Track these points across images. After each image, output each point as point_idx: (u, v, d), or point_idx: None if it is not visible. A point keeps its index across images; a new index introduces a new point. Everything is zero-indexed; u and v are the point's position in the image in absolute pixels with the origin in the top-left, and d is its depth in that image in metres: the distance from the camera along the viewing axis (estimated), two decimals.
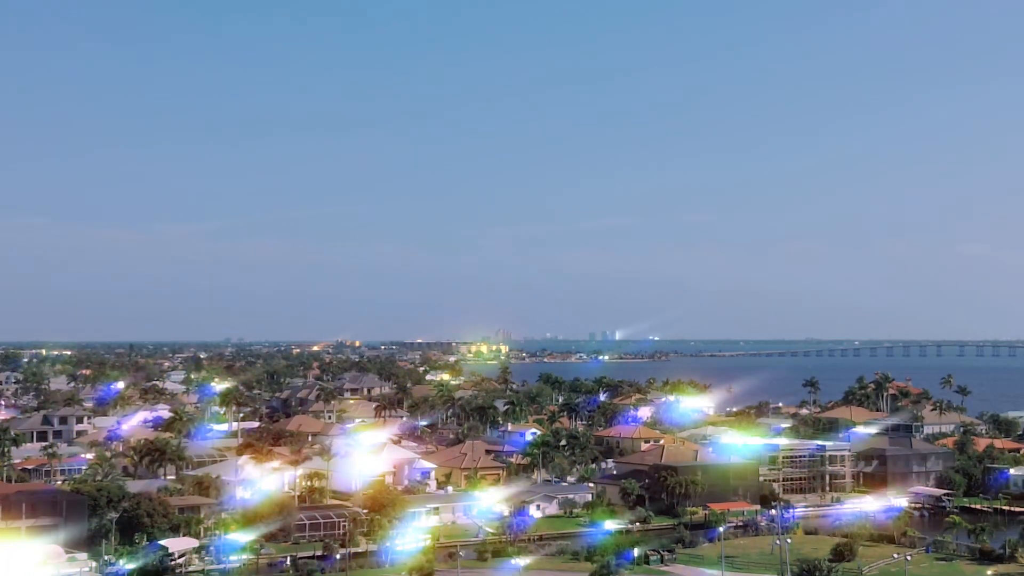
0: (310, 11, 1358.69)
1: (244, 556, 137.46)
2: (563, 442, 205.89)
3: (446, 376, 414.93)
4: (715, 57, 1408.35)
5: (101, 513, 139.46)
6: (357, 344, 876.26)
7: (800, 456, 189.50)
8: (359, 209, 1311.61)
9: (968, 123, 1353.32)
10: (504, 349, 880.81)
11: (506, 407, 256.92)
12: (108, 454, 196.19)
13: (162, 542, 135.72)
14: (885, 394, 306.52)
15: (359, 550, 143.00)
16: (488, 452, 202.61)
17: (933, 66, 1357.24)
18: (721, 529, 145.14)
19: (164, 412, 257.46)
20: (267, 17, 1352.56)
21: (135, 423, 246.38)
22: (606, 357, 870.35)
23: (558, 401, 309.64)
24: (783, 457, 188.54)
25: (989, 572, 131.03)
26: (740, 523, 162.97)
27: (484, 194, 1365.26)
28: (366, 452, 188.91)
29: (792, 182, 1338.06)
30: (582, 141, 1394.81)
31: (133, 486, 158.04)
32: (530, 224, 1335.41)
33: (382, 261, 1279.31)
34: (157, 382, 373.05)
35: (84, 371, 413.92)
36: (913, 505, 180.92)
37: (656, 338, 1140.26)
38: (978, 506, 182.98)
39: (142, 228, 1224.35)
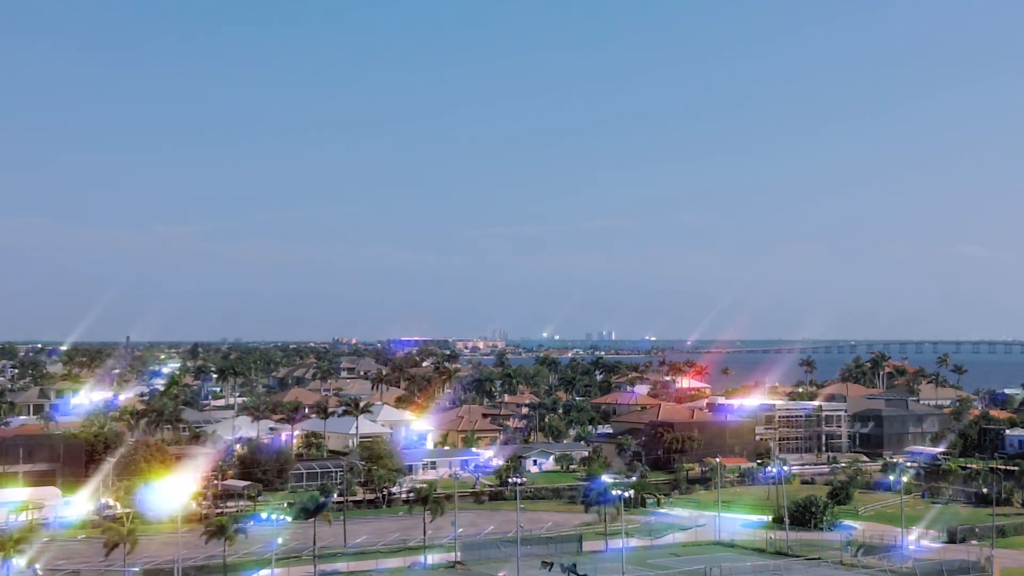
0: (309, 12, 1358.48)
1: (241, 503, 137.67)
2: (560, 409, 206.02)
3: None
4: (716, 59, 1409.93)
5: (98, 459, 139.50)
6: (354, 342, 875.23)
7: (796, 416, 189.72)
8: (359, 210, 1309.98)
9: (967, 125, 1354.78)
10: (501, 345, 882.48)
11: (503, 380, 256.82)
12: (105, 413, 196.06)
13: (159, 485, 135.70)
14: (881, 372, 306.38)
15: (356, 498, 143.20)
16: (485, 416, 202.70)
17: (932, 69, 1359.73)
18: (718, 459, 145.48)
19: (161, 388, 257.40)
20: (266, 19, 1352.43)
21: (132, 395, 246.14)
22: (603, 353, 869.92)
23: (555, 382, 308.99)
24: (779, 417, 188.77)
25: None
26: (737, 476, 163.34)
27: (483, 195, 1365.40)
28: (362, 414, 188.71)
29: (791, 184, 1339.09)
30: (582, 142, 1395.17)
31: None
32: (529, 225, 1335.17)
33: (381, 262, 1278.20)
34: (154, 367, 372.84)
35: (82, 358, 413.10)
36: (910, 464, 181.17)
37: (653, 338, 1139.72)
38: (974, 465, 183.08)
39: (142, 229, 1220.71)
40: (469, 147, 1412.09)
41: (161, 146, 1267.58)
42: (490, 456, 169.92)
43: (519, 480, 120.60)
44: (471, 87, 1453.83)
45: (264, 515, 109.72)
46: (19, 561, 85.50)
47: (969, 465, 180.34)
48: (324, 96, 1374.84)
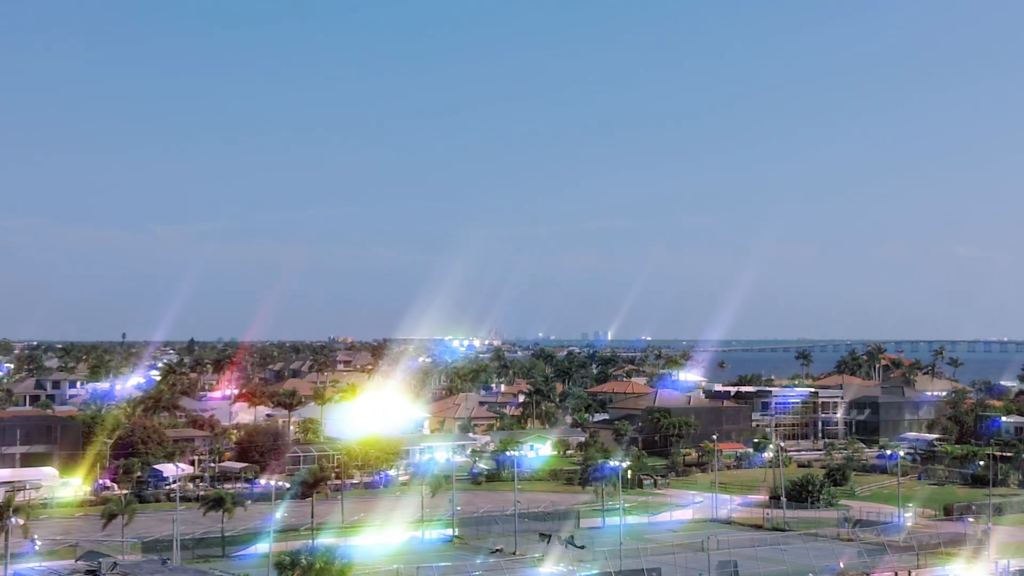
0: (306, 12, 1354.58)
1: (238, 484, 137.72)
2: (556, 397, 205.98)
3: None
4: (713, 59, 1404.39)
5: (95, 441, 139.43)
6: (349, 341, 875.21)
7: (793, 402, 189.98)
8: (355, 210, 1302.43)
9: (963, 126, 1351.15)
10: (497, 343, 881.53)
11: (499, 371, 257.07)
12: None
13: (157, 467, 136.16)
14: (877, 365, 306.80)
15: (354, 481, 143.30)
16: (481, 404, 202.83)
17: (929, 70, 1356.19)
18: (715, 437, 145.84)
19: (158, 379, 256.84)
20: (263, 18, 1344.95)
21: (130, 386, 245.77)
22: (598, 353, 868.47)
23: (551, 374, 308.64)
24: (776, 403, 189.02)
25: None
26: (734, 460, 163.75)
27: (480, 195, 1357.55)
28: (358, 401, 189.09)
29: (787, 185, 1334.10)
30: (580, 143, 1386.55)
31: None
32: (526, 225, 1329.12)
33: (377, 262, 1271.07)
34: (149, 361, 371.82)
35: (78, 354, 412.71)
36: (906, 450, 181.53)
37: (648, 338, 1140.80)
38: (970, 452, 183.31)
39: (139, 228, 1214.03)
40: (466, 147, 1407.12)
41: (159, 146, 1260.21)
42: (487, 441, 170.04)
43: (516, 453, 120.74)
44: (468, 88, 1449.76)
45: (263, 482, 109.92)
46: (18, 526, 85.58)
47: (965, 453, 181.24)
48: (321, 96, 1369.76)
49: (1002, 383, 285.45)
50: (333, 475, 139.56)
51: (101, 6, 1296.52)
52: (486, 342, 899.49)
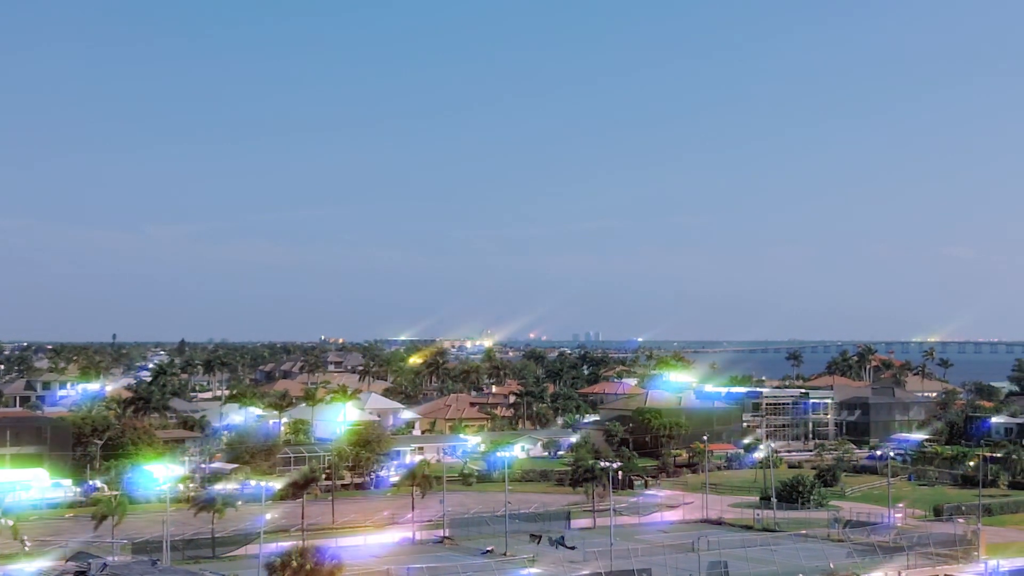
0: (300, 12, 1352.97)
1: (229, 485, 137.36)
2: (547, 398, 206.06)
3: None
4: (707, 59, 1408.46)
5: (86, 441, 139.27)
6: (340, 341, 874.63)
7: (783, 403, 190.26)
8: (349, 211, 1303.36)
9: (953, 128, 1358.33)
10: (489, 344, 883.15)
11: (490, 372, 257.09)
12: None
13: (147, 467, 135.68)
14: (868, 366, 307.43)
15: (344, 482, 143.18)
16: (472, 405, 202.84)
17: (920, 71, 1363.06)
18: (705, 438, 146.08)
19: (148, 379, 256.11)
20: (256, 18, 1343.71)
21: (119, 386, 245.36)
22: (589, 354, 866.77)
23: (542, 375, 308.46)
24: (766, 404, 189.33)
25: None
26: (724, 461, 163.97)
27: (474, 196, 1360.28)
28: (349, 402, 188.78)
29: (780, 186, 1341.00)
30: (575, 144, 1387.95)
31: None
32: (520, 226, 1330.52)
33: (371, 263, 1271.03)
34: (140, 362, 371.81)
35: (69, 354, 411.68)
36: (896, 451, 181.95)
37: (640, 339, 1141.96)
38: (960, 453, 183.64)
39: (132, 229, 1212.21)
40: (460, 148, 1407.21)
41: (154, 146, 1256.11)
42: (478, 442, 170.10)
43: (507, 454, 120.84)
44: (462, 89, 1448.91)
45: (253, 483, 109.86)
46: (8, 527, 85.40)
47: (955, 454, 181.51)
48: (315, 97, 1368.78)
49: (993, 384, 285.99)
50: (323, 476, 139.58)
51: (101, 6, 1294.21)
52: (477, 343, 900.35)
